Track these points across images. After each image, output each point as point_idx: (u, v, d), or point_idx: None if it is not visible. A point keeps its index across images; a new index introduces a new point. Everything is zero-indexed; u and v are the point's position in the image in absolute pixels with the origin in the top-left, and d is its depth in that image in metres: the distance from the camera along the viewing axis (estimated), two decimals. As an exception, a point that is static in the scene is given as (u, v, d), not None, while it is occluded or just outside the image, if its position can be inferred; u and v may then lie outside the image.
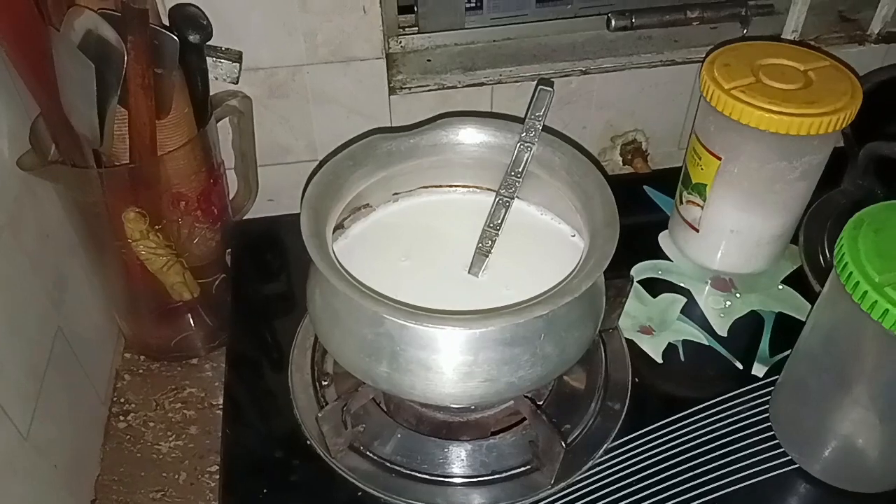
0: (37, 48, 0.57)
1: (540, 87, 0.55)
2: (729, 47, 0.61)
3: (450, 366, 0.47)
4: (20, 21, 0.55)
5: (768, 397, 0.58)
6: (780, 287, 0.67)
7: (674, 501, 0.53)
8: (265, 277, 0.73)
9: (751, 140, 0.57)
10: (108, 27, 0.55)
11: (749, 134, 0.56)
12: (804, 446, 0.54)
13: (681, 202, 0.66)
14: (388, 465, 0.55)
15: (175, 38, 0.59)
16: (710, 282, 0.67)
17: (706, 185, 0.61)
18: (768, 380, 0.60)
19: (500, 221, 0.56)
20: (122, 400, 0.77)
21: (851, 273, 0.43)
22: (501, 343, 0.47)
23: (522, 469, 0.55)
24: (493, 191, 0.57)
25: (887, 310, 0.41)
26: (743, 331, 0.64)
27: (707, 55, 0.61)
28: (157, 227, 0.67)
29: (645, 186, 0.77)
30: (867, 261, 0.43)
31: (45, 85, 0.59)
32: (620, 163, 0.88)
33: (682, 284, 0.68)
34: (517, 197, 0.57)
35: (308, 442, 0.57)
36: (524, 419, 0.56)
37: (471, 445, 0.56)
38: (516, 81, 0.79)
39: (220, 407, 0.67)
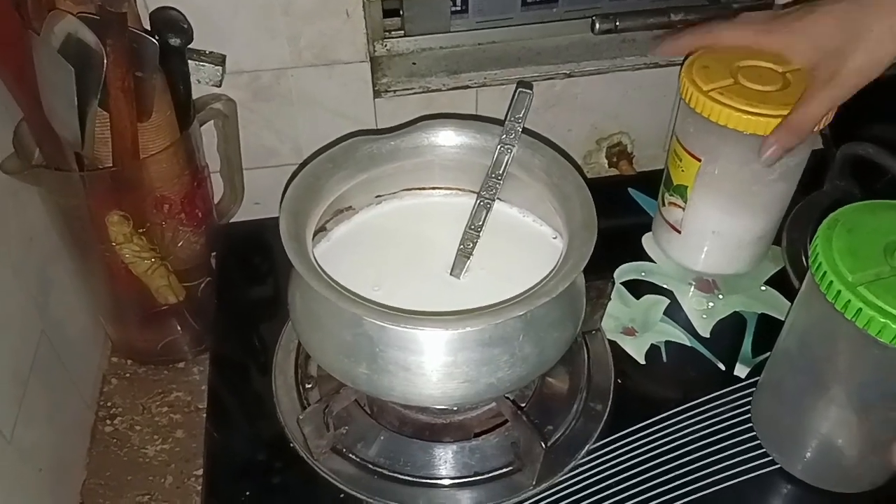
0: (18, 52, 0.57)
1: (519, 89, 0.55)
2: (708, 49, 0.61)
3: (429, 367, 0.47)
4: (1, 25, 0.55)
5: (750, 398, 0.58)
6: (763, 288, 0.67)
7: (656, 502, 0.53)
8: (250, 281, 0.73)
9: (729, 141, 0.57)
10: (88, 31, 0.56)
11: (727, 135, 0.56)
12: (784, 447, 0.54)
13: (663, 204, 0.66)
14: (371, 467, 0.55)
15: (155, 41, 0.60)
16: (693, 283, 0.68)
17: (687, 186, 0.62)
18: (750, 380, 0.60)
19: (481, 223, 0.56)
20: (109, 404, 0.77)
21: (825, 273, 0.43)
22: (480, 344, 0.47)
23: (505, 470, 0.55)
24: (475, 192, 0.58)
25: (860, 309, 0.41)
26: (725, 332, 0.64)
27: (686, 57, 0.61)
28: (141, 230, 0.67)
29: (629, 189, 0.78)
30: (841, 260, 0.43)
31: (26, 89, 0.59)
32: (606, 165, 0.88)
33: (665, 286, 0.68)
34: (498, 199, 0.57)
35: (291, 444, 0.57)
36: (507, 420, 0.56)
37: (454, 447, 0.56)
38: (501, 84, 0.80)
39: (207, 410, 0.67)
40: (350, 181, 0.56)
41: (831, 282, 0.43)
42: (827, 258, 0.43)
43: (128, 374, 0.80)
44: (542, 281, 0.49)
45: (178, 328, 0.79)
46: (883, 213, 0.46)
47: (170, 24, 0.63)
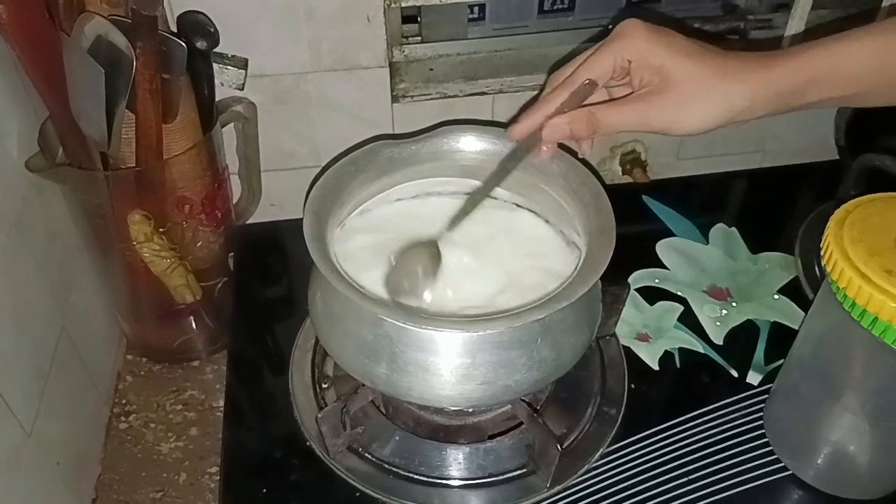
0: (48, 53, 0.58)
1: None
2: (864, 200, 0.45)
3: (447, 368, 0.48)
4: (32, 26, 0.56)
5: (763, 405, 0.59)
6: (776, 297, 0.68)
7: (668, 506, 0.53)
8: (267, 281, 0.74)
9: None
10: (118, 33, 0.56)
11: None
12: (797, 453, 0.54)
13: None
14: (387, 466, 0.56)
15: (183, 44, 0.60)
16: (706, 290, 0.68)
17: None
18: (763, 388, 0.60)
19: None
20: (124, 401, 0.78)
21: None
22: (498, 346, 0.48)
23: (519, 472, 0.55)
24: (493, 198, 0.58)
25: (876, 318, 0.42)
26: (738, 339, 0.65)
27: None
28: (161, 229, 0.68)
29: (644, 196, 0.78)
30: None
31: (54, 88, 0.60)
32: (620, 173, 0.89)
33: (678, 293, 0.68)
34: (515, 203, 0.58)
35: (307, 443, 0.57)
36: (521, 423, 0.57)
37: (468, 448, 0.57)
38: (517, 91, 0.80)
39: (221, 409, 0.68)
40: (370, 184, 0.56)
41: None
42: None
43: (143, 372, 0.81)
44: (561, 285, 0.49)
45: (194, 327, 0.80)
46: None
47: (197, 27, 0.64)
